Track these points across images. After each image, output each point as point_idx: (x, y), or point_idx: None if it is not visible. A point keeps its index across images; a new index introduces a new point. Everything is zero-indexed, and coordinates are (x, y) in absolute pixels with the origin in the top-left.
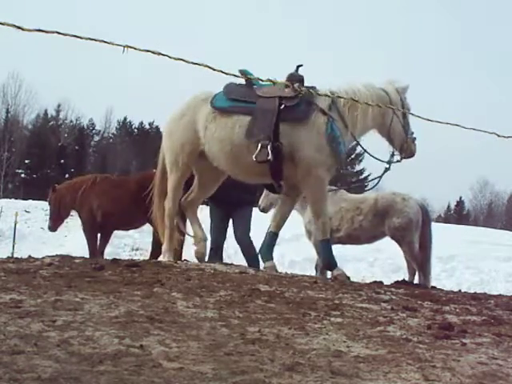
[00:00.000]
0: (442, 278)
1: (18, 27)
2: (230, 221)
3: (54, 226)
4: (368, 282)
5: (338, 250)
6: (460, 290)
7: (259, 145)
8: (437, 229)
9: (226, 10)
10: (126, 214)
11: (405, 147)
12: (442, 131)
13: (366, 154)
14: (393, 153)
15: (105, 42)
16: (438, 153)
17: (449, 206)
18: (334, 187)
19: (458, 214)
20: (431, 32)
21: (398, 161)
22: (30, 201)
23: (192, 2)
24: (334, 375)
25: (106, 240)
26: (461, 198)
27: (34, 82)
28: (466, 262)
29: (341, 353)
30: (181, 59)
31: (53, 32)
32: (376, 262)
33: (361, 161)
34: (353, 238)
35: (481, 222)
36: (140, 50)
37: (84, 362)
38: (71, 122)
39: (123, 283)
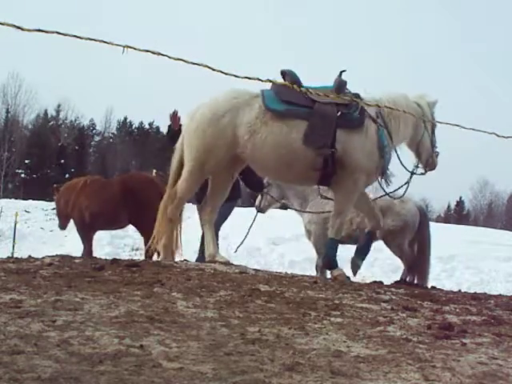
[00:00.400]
0: (442, 277)
1: (18, 27)
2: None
3: (62, 224)
4: (368, 282)
5: (338, 250)
6: (460, 290)
7: (318, 152)
8: (437, 229)
9: (226, 10)
10: (110, 214)
11: (430, 161)
12: (441, 131)
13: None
14: (417, 165)
15: (104, 42)
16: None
17: (449, 206)
18: None
19: (458, 214)
20: (431, 32)
21: (421, 173)
22: (30, 201)
23: (192, 1)
24: (333, 375)
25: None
26: (461, 197)
27: (33, 82)
28: (465, 262)
29: (341, 353)
30: (180, 59)
31: (53, 32)
32: (376, 262)
33: None
34: (352, 238)
35: (481, 221)
36: (140, 50)
37: (84, 362)
38: (71, 122)
39: (123, 283)
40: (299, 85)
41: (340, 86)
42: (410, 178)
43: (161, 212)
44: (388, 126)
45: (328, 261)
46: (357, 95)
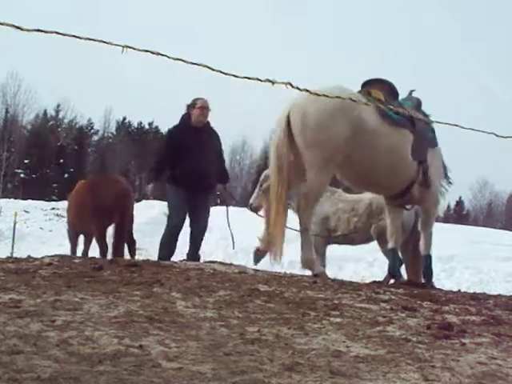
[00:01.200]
0: (442, 277)
1: (17, 27)
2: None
3: None
4: (367, 281)
5: (337, 249)
6: (459, 290)
7: (421, 167)
8: (436, 229)
9: (226, 10)
10: (78, 217)
11: None
12: (441, 131)
13: None
14: None
15: (104, 42)
16: None
17: (448, 206)
18: (333, 188)
19: (458, 214)
20: (431, 32)
21: None
22: (30, 201)
23: (192, 1)
24: (333, 375)
25: (88, 241)
26: (460, 197)
27: (33, 81)
28: (465, 261)
29: (340, 353)
30: (180, 59)
31: (52, 32)
32: (375, 261)
33: None
34: (348, 239)
35: (480, 221)
36: (139, 50)
37: (83, 361)
38: (69, 121)
39: (122, 283)
40: (395, 97)
41: (419, 104)
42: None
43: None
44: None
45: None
46: (427, 116)
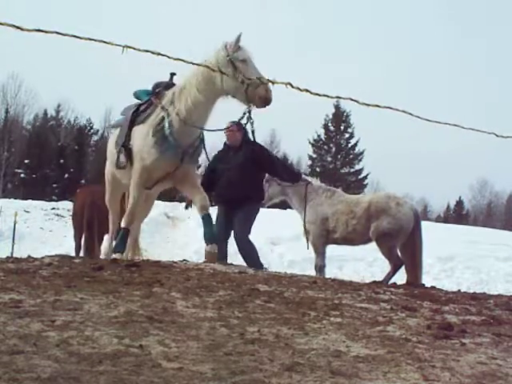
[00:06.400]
0: (442, 277)
1: (18, 27)
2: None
3: None
4: (367, 281)
5: (337, 250)
6: (459, 290)
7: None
8: (436, 229)
9: (226, 10)
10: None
11: (252, 97)
12: (441, 131)
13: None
14: (248, 110)
15: (104, 42)
16: (437, 153)
17: (448, 206)
18: (332, 187)
19: (458, 214)
20: (431, 32)
21: (248, 113)
22: (30, 201)
23: (192, 2)
24: (333, 375)
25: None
26: (460, 197)
27: (33, 82)
28: (465, 261)
29: (340, 353)
30: (180, 59)
31: (52, 32)
32: (375, 261)
33: (360, 160)
34: (347, 240)
35: (480, 221)
36: (139, 50)
37: (83, 361)
38: (69, 121)
39: (122, 283)
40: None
41: (156, 87)
42: (247, 121)
43: None
44: (176, 109)
45: None
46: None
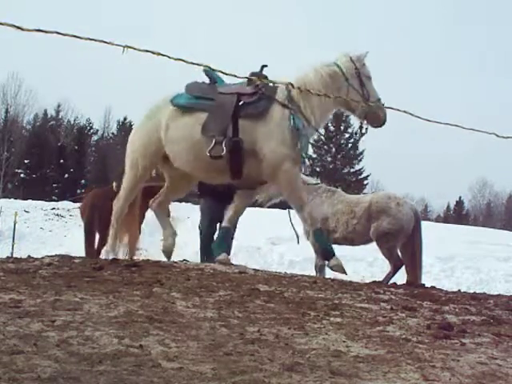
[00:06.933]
0: (442, 277)
1: (18, 27)
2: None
3: None
4: (367, 281)
5: (337, 250)
6: (459, 290)
7: (213, 140)
8: (436, 229)
9: (226, 10)
10: None
11: (370, 116)
12: (441, 132)
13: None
14: (361, 124)
15: (104, 42)
16: (437, 153)
17: (448, 206)
18: (332, 188)
19: (458, 214)
20: (431, 32)
21: (363, 131)
22: (30, 201)
23: (192, 1)
24: (333, 375)
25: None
26: (460, 198)
27: (33, 82)
28: (465, 261)
29: (340, 353)
30: (181, 59)
31: (52, 32)
32: (375, 261)
33: (360, 160)
34: (348, 240)
35: (480, 222)
36: (139, 50)
37: (83, 361)
38: (68, 121)
39: (122, 283)
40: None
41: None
42: (359, 136)
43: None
44: (301, 107)
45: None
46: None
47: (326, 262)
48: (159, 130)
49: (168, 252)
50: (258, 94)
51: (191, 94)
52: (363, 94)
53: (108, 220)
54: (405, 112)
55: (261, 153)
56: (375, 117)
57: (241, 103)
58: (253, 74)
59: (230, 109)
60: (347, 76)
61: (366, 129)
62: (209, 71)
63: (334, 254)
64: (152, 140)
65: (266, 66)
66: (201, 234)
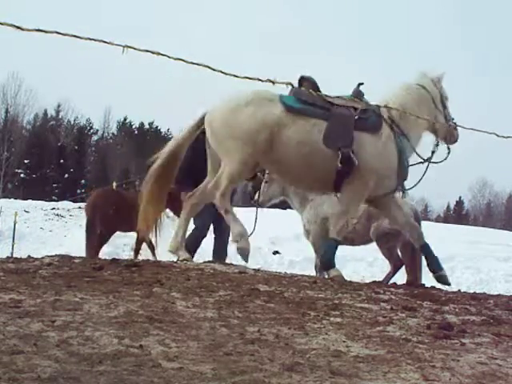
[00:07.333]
0: None
1: (18, 27)
2: None
3: None
4: (367, 281)
5: (337, 250)
6: (459, 290)
7: (338, 152)
8: (436, 229)
9: (227, 10)
10: None
11: (448, 136)
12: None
13: None
14: (437, 143)
15: (104, 41)
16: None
17: (448, 206)
18: None
19: (458, 214)
20: (431, 32)
21: (448, 152)
22: (30, 201)
23: (192, 1)
24: (333, 375)
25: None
26: (460, 198)
27: (33, 81)
28: (465, 261)
29: (340, 353)
30: (180, 59)
31: (52, 32)
32: (375, 261)
33: None
34: (348, 240)
35: (480, 221)
36: (139, 50)
37: (83, 362)
38: (68, 121)
39: (122, 283)
40: (317, 91)
41: (358, 93)
42: (427, 166)
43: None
44: (401, 128)
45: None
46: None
47: (326, 273)
48: (272, 125)
49: (245, 254)
50: (370, 111)
51: (298, 97)
52: (445, 115)
53: (108, 220)
54: (404, 112)
55: (367, 168)
56: (453, 135)
57: (356, 117)
58: (356, 92)
59: (351, 122)
60: (435, 100)
61: (437, 145)
62: (309, 79)
63: (334, 266)
64: (263, 128)
65: (362, 83)
66: (196, 229)
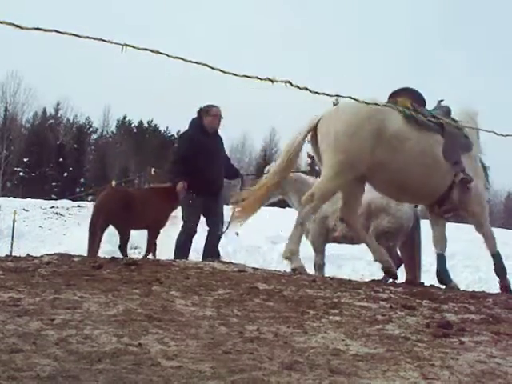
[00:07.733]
0: None
1: (17, 26)
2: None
3: None
4: (367, 280)
5: (336, 248)
6: (458, 289)
7: (456, 168)
8: None
9: (226, 9)
10: None
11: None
12: None
13: None
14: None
15: (103, 40)
16: None
17: None
18: None
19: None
20: (430, 31)
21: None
22: (29, 199)
23: (191, 0)
24: (332, 373)
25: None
26: None
27: (32, 80)
28: (464, 260)
29: (339, 351)
30: (179, 58)
31: (51, 30)
32: None
33: None
34: (347, 239)
35: None
36: (139, 48)
37: (82, 360)
38: (67, 120)
39: (122, 281)
40: (423, 104)
41: (448, 112)
42: None
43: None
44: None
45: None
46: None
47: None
48: (377, 137)
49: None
50: (462, 131)
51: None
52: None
53: (109, 220)
54: (404, 111)
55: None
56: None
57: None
58: (448, 110)
59: (459, 141)
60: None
61: None
62: (413, 91)
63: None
64: (366, 147)
65: (442, 100)
66: (186, 227)
